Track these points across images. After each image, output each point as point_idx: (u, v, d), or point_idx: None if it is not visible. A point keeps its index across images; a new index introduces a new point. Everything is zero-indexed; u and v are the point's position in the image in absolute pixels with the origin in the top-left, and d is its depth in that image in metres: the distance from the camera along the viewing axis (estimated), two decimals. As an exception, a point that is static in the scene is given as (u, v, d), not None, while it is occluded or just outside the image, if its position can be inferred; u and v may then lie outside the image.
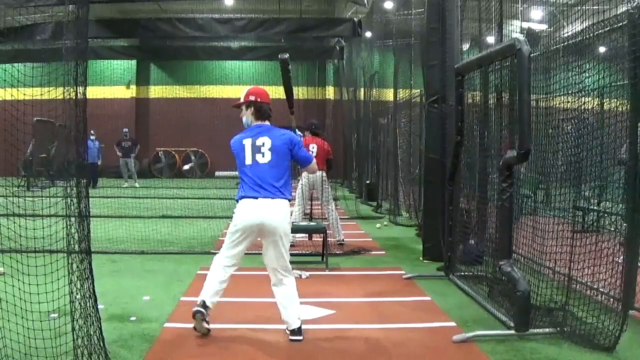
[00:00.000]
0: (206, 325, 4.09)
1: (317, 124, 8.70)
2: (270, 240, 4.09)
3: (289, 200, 4.20)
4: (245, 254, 4.29)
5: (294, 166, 4.54)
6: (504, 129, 5.35)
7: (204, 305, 4.07)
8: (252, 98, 4.27)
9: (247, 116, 4.29)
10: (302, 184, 8.05)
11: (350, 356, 3.91)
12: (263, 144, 4.14)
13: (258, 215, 4.04)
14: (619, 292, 4.16)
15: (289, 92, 4.66)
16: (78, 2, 3.13)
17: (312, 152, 8.03)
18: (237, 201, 4.18)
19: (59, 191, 3.53)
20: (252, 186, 4.08)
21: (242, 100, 4.30)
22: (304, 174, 8.01)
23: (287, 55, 4.53)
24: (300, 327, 4.13)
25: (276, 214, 4.06)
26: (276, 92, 5.08)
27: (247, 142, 4.17)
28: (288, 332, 4.16)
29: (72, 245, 3.21)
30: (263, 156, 4.12)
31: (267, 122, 4.29)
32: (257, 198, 4.05)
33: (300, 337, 4.10)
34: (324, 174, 8.09)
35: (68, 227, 3.28)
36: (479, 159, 6.00)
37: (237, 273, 5.91)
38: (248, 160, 4.14)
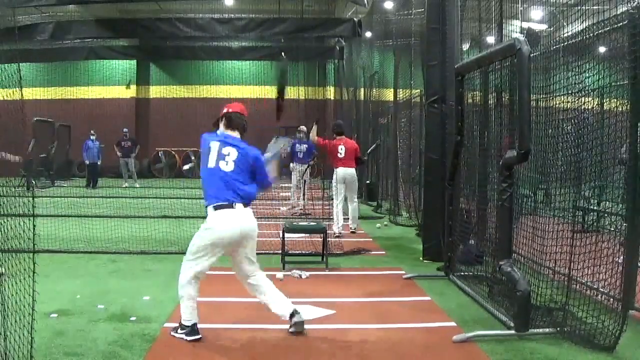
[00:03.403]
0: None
1: (339, 124, 9.56)
2: (246, 247, 4.13)
3: None
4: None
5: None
6: (504, 129, 5.34)
7: (197, 329, 4.09)
8: (224, 110, 4.34)
9: (221, 128, 4.32)
10: (335, 180, 8.91)
11: (350, 356, 3.91)
12: (229, 153, 4.12)
13: (239, 225, 4.05)
14: (619, 292, 4.16)
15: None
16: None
17: (341, 153, 8.93)
18: (208, 208, 4.09)
19: (59, 191, 3.53)
20: (221, 192, 4.04)
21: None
22: (337, 169, 8.95)
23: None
24: (295, 309, 4.19)
25: (251, 220, 4.13)
26: (272, 92, 5.11)
27: (214, 146, 4.15)
28: (289, 322, 4.19)
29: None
30: (227, 165, 4.10)
31: (236, 133, 4.26)
32: (233, 205, 4.03)
33: (302, 319, 4.18)
34: (354, 171, 9.10)
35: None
36: (479, 159, 5.99)
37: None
38: (211, 163, 4.10)
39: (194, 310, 4.09)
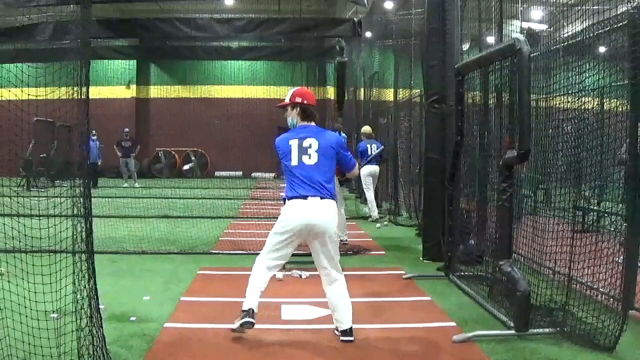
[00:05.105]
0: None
1: (332, 126, 9.91)
2: (319, 241, 4.08)
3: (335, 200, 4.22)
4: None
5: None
6: (504, 129, 5.35)
7: (253, 313, 4.04)
8: (298, 100, 4.28)
9: (292, 117, 4.30)
10: None
11: (350, 356, 3.91)
12: (310, 145, 4.13)
13: (308, 215, 4.02)
14: (619, 292, 4.16)
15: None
16: (80, 2, 3.14)
17: None
18: (285, 201, 4.16)
19: (63, 191, 3.53)
20: (300, 185, 4.07)
21: (287, 101, 4.31)
22: None
23: (345, 59, 4.63)
24: (351, 328, 4.12)
25: (326, 213, 4.06)
26: (272, 92, 5.11)
27: (294, 143, 4.15)
28: (338, 333, 4.16)
29: (78, 245, 3.22)
30: (309, 158, 4.11)
31: (312, 123, 4.29)
32: (306, 198, 4.04)
33: (352, 338, 4.09)
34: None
35: (74, 226, 3.28)
36: (479, 159, 6.00)
37: (237, 273, 5.91)
38: (294, 162, 4.11)
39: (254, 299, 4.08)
